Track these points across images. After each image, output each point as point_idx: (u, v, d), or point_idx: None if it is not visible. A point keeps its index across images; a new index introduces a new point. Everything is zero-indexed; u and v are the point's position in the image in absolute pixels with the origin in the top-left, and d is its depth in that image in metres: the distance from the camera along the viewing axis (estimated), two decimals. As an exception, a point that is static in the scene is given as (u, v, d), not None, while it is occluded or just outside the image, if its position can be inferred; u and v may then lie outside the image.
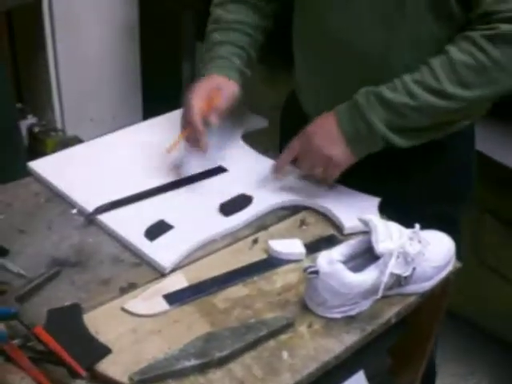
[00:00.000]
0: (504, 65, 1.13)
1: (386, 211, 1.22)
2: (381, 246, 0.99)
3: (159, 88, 2.93)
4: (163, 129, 1.43)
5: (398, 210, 1.16)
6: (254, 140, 1.43)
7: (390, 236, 1.00)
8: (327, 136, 1.20)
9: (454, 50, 1.14)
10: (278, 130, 1.54)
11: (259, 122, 1.49)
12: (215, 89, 1.29)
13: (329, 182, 1.25)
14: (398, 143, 1.19)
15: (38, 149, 2.55)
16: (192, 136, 1.26)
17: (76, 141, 2.48)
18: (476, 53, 1.13)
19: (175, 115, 1.49)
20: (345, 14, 1.22)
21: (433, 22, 1.17)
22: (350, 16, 1.22)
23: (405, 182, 1.33)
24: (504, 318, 2.19)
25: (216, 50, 1.36)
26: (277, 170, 1.28)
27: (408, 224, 1.07)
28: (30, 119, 2.63)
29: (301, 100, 1.43)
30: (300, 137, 1.24)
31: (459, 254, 1.15)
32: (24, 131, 2.55)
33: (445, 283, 1.12)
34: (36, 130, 2.60)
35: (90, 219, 1.17)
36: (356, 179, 1.25)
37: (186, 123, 1.27)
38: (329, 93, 1.30)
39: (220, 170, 1.31)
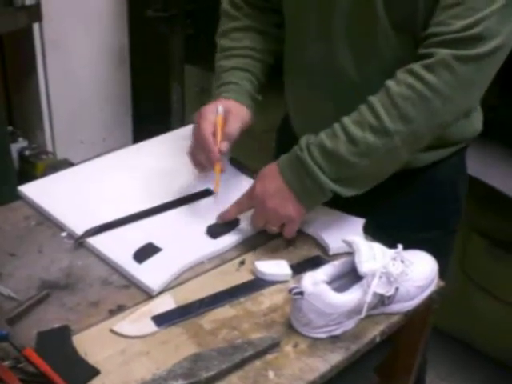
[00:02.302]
0: (442, 91, 1.08)
1: (378, 238, 1.18)
2: (364, 266, 1.01)
3: (149, 110, 2.96)
4: (152, 152, 1.45)
5: (386, 237, 1.14)
6: (241, 162, 1.45)
7: (374, 256, 1.02)
8: (279, 196, 1.16)
9: (392, 84, 1.11)
10: (271, 151, 1.54)
11: (247, 145, 1.51)
12: (226, 113, 1.26)
13: (288, 237, 1.21)
14: (347, 194, 1.15)
15: (29, 172, 2.56)
16: (205, 161, 1.25)
17: (66, 163, 2.50)
18: (413, 82, 1.09)
19: (164, 138, 1.52)
20: (322, 43, 1.24)
21: (401, 50, 1.16)
22: (326, 45, 1.23)
23: (391, 209, 1.32)
24: (492, 335, 2.21)
25: (224, 76, 1.33)
26: (222, 220, 1.24)
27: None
28: (21, 142, 2.65)
29: (290, 121, 1.44)
30: (249, 195, 1.21)
31: (446, 277, 1.17)
32: (15, 154, 2.57)
33: (429, 302, 1.14)
34: (27, 153, 2.62)
35: (80, 242, 1.18)
36: (343, 208, 1.26)
37: (199, 149, 1.25)
38: (314, 117, 1.32)
39: (208, 192, 1.33)
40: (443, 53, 1.07)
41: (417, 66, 1.10)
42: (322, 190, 1.14)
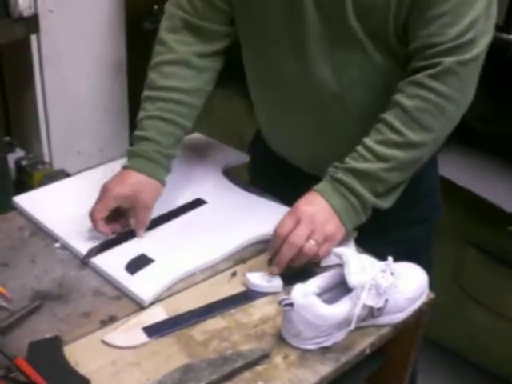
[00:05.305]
0: (455, 97, 1.14)
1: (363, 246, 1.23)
2: (353, 278, 1.01)
3: (146, 121, 2.96)
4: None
5: (364, 236, 1.19)
6: (236, 175, 1.46)
7: (363, 268, 1.03)
8: (326, 214, 1.16)
9: (403, 99, 1.15)
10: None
11: (240, 158, 1.52)
12: (133, 198, 1.22)
13: (320, 258, 1.17)
14: (384, 206, 1.20)
15: (26, 182, 2.57)
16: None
17: (63, 174, 2.51)
18: (426, 95, 1.13)
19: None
20: (298, 60, 1.24)
21: (377, 57, 1.18)
22: (303, 61, 1.23)
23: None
24: (485, 346, 2.21)
25: (144, 126, 1.29)
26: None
27: (375, 249, 1.15)
28: (18, 152, 2.65)
29: (263, 137, 1.46)
30: (293, 213, 1.16)
31: (432, 281, 1.18)
32: (12, 164, 2.58)
33: (419, 314, 1.15)
34: (23, 162, 2.62)
35: (74, 255, 1.19)
36: None
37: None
38: (289, 130, 1.33)
39: (199, 202, 1.34)
40: (448, 61, 1.11)
41: (424, 78, 1.13)
42: (366, 208, 1.18)
